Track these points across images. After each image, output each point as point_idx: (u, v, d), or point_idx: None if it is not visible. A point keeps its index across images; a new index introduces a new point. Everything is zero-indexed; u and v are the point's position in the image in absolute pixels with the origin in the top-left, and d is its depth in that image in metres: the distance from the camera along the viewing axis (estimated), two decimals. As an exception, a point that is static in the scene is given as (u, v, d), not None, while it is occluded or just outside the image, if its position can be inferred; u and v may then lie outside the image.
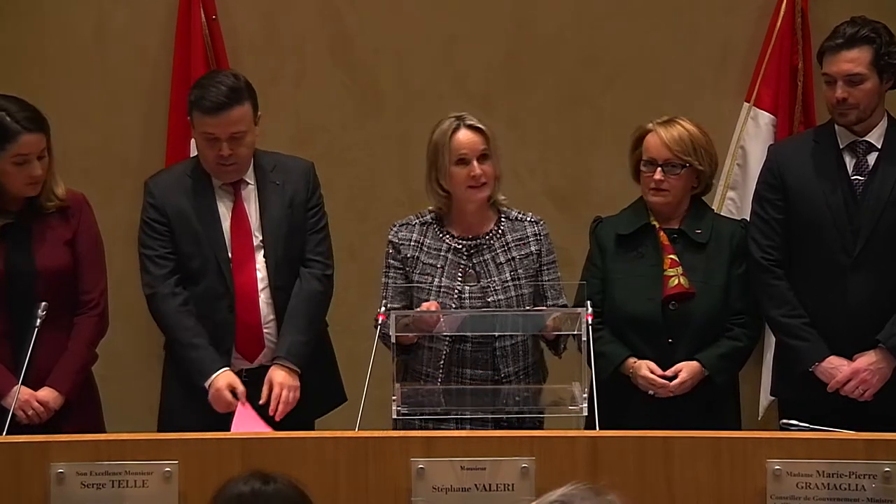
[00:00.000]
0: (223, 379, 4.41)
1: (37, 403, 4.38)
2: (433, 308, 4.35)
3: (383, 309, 4.22)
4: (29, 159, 4.39)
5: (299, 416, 4.42)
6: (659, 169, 4.48)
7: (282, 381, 4.43)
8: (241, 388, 4.41)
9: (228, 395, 4.39)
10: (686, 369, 4.43)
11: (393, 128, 5.72)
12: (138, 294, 5.46)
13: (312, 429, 4.51)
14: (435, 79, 5.69)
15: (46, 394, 4.41)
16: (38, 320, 4.24)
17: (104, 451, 3.84)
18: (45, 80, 5.56)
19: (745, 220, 4.72)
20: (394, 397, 4.15)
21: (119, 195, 5.58)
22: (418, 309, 4.37)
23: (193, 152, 5.30)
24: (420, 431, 4.20)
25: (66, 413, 4.44)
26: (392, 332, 4.17)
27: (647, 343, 4.47)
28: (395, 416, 4.14)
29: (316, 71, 5.70)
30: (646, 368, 4.43)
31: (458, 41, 5.69)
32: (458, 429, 4.29)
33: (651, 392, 4.43)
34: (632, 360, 4.46)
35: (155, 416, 4.70)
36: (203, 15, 5.53)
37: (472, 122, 4.46)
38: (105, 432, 4.54)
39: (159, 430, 4.58)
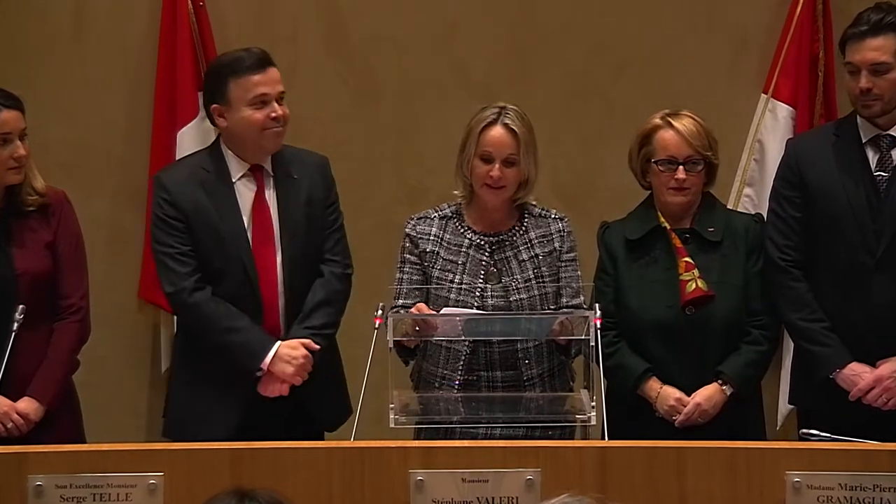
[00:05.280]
0: (286, 345, 4.42)
1: (16, 416, 4.38)
2: (423, 309, 4.36)
3: (380, 312, 4.23)
4: (11, 138, 4.40)
5: (304, 431, 4.38)
6: (681, 167, 4.49)
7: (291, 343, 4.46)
8: (314, 345, 4.44)
9: (303, 352, 4.41)
10: (699, 396, 4.43)
11: (390, 120, 5.73)
12: (121, 296, 5.50)
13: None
14: (435, 69, 5.70)
15: (26, 405, 4.41)
16: (16, 324, 4.25)
17: (85, 462, 3.83)
18: (22, 71, 5.54)
19: (760, 213, 4.74)
20: (391, 405, 4.16)
21: (101, 193, 5.59)
22: (413, 311, 4.37)
23: (179, 147, 5.33)
24: (419, 441, 4.21)
25: (46, 423, 4.44)
26: (389, 336, 4.18)
27: (669, 351, 4.48)
28: (392, 426, 4.15)
29: (309, 60, 5.71)
30: (673, 399, 4.44)
31: (460, 28, 5.70)
32: (486, 436, 4.30)
33: (675, 420, 4.43)
34: (656, 385, 4.47)
35: (138, 423, 4.70)
36: (189, 1, 5.54)
37: (509, 122, 4.45)
38: (86, 442, 4.54)
39: (166, 438, 4.58)
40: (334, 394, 4.65)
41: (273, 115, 4.45)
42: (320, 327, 4.51)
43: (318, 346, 4.46)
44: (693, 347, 4.46)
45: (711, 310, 4.47)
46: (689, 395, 4.44)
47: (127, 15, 5.64)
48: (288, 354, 4.42)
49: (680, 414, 4.43)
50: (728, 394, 4.44)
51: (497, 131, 4.46)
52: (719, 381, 4.45)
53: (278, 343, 4.44)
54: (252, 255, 4.48)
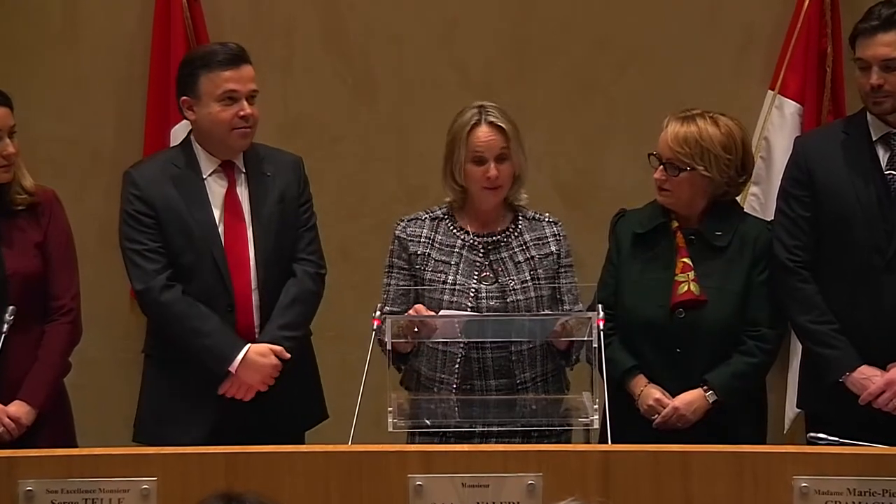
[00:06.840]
0: (255, 350, 4.41)
1: (7, 419, 4.37)
2: (421, 310, 4.34)
3: (378, 313, 4.21)
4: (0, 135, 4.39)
5: (277, 432, 4.35)
6: (661, 167, 4.48)
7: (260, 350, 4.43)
8: (285, 354, 4.43)
9: (272, 360, 4.40)
10: (679, 400, 4.41)
11: (388, 118, 5.72)
12: (113, 297, 5.48)
13: (302, 443, 4.50)
14: (434, 65, 5.69)
15: (18, 408, 4.40)
16: (6, 325, 4.23)
17: (76, 466, 3.83)
18: (14, 68, 5.54)
19: None
20: (389, 408, 4.15)
21: (91, 190, 5.59)
22: (411, 313, 4.35)
23: (172, 143, 5.31)
24: (418, 445, 4.20)
25: (36, 426, 4.42)
26: (388, 338, 4.17)
27: (657, 351, 4.46)
28: (390, 429, 4.14)
29: (305, 56, 5.70)
30: (652, 399, 4.43)
31: (460, 25, 5.69)
32: (481, 441, 4.29)
33: (654, 419, 4.42)
34: (641, 382, 4.45)
35: (131, 427, 4.68)
36: (184, -3, 5.54)
37: (493, 119, 4.44)
38: (77, 446, 4.52)
39: (136, 442, 4.57)
40: (307, 395, 4.64)
41: (241, 113, 4.45)
42: (293, 327, 4.50)
43: (288, 356, 4.45)
44: (680, 350, 4.44)
45: (703, 315, 4.44)
46: (674, 397, 4.43)
47: (120, 11, 5.64)
48: (256, 361, 4.42)
49: (658, 415, 4.41)
50: (711, 401, 4.42)
51: (483, 130, 4.44)
52: (703, 388, 4.43)
53: (247, 347, 4.43)
54: (224, 251, 4.48)
